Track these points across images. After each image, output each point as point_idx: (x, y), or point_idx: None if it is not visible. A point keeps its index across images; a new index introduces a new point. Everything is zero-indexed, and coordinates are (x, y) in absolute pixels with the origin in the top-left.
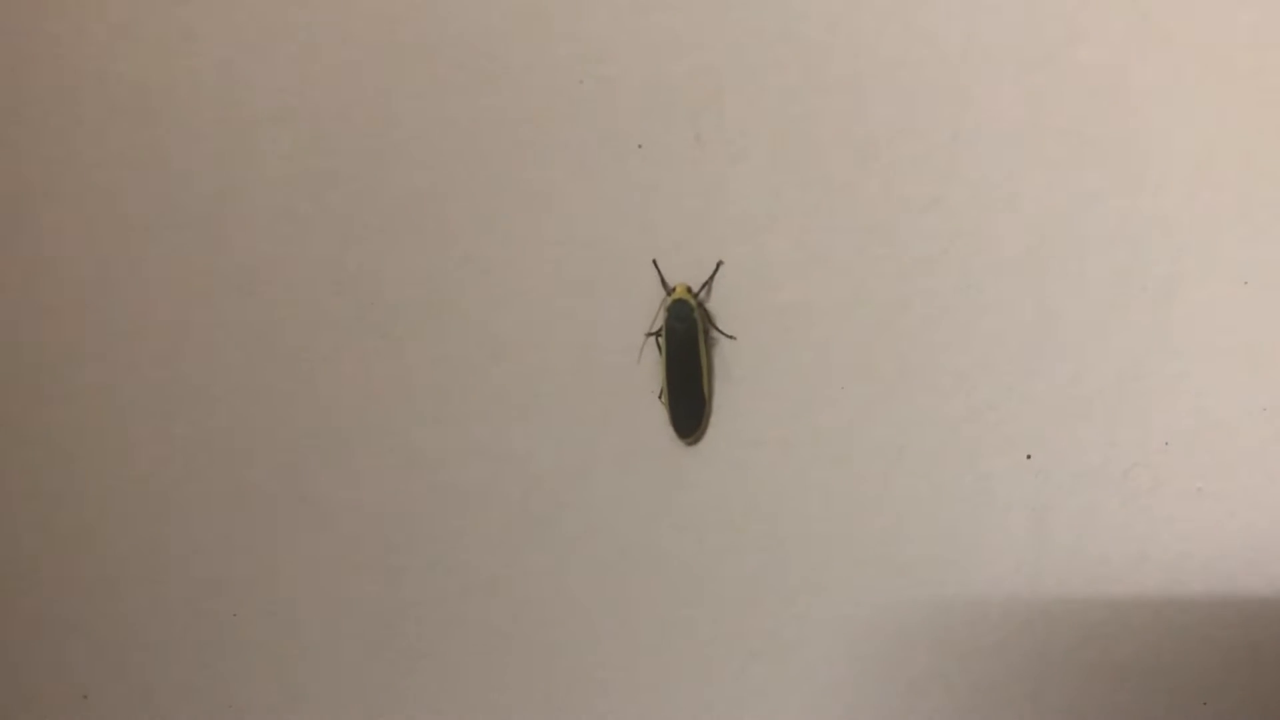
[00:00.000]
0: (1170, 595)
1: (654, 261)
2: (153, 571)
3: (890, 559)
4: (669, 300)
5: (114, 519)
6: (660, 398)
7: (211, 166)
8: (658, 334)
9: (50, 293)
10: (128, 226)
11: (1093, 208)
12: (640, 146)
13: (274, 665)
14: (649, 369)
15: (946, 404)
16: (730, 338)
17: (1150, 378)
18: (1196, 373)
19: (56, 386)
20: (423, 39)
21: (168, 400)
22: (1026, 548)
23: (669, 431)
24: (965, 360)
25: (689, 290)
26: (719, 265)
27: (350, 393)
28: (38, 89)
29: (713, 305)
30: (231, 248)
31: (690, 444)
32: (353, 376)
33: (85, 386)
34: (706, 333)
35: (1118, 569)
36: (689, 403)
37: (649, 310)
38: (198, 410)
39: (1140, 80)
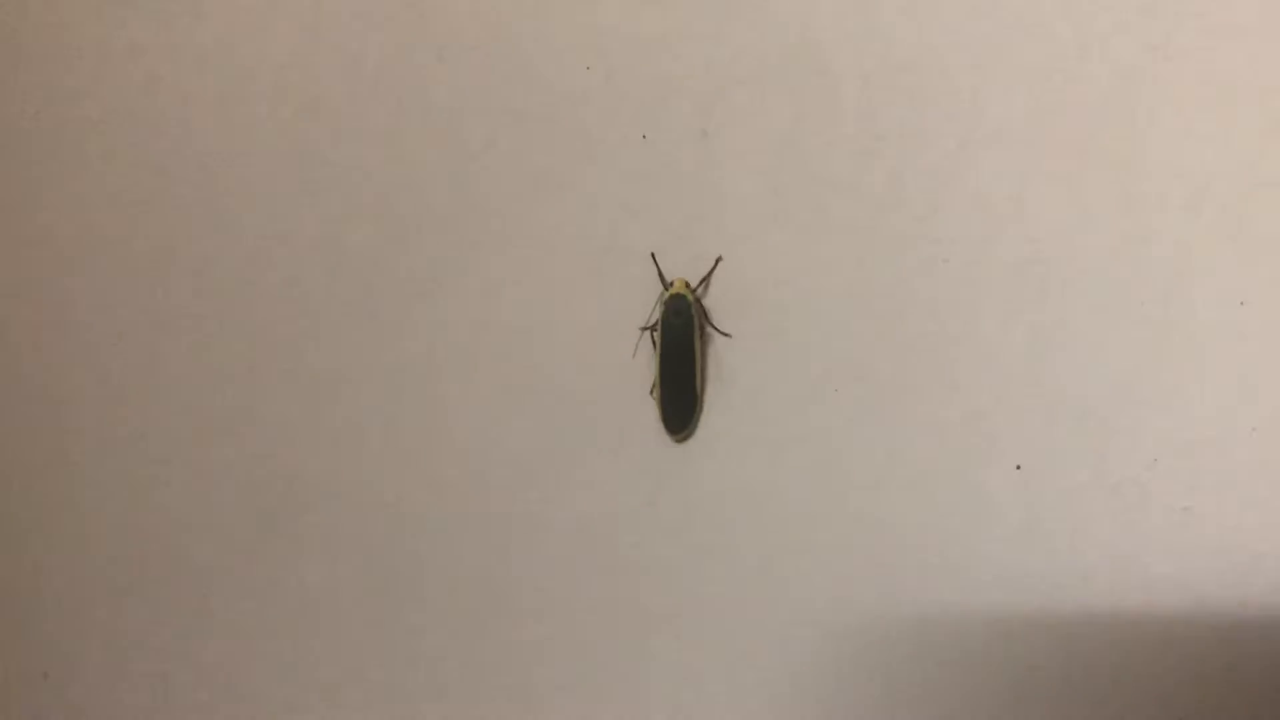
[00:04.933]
0: (1153, 612)
1: (652, 255)
2: (123, 553)
3: (877, 564)
4: (666, 294)
5: (92, 503)
6: (652, 393)
7: (208, 149)
8: (653, 328)
9: (47, 278)
10: (122, 211)
11: (1094, 221)
12: (645, 137)
13: (248, 652)
14: (642, 364)
15: (939, 410)
16: (726, 335)
17: (1142, 394)
18: (1188, 391)
19: (54, 371)
20: (427, 24)
21: (154, 385)
22: (1013, 558)
23: (659, 428)
24: (959, 367)
25: (687, 285)
26: (718, 261)
27: (340, 382)
28: (35, 63)
29: (710, 302)
30: (225, 233)
31: (680, 441)
32: (343, 365)
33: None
34: (702, 329)
35: (1103, 583)
36: (681, 399)
37: (645, 304)
38: (182, 395)
39: (1147, 96)
